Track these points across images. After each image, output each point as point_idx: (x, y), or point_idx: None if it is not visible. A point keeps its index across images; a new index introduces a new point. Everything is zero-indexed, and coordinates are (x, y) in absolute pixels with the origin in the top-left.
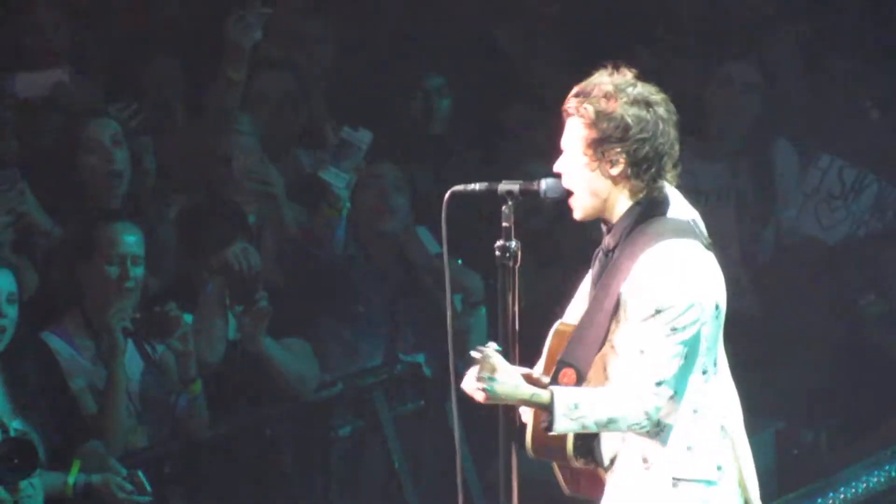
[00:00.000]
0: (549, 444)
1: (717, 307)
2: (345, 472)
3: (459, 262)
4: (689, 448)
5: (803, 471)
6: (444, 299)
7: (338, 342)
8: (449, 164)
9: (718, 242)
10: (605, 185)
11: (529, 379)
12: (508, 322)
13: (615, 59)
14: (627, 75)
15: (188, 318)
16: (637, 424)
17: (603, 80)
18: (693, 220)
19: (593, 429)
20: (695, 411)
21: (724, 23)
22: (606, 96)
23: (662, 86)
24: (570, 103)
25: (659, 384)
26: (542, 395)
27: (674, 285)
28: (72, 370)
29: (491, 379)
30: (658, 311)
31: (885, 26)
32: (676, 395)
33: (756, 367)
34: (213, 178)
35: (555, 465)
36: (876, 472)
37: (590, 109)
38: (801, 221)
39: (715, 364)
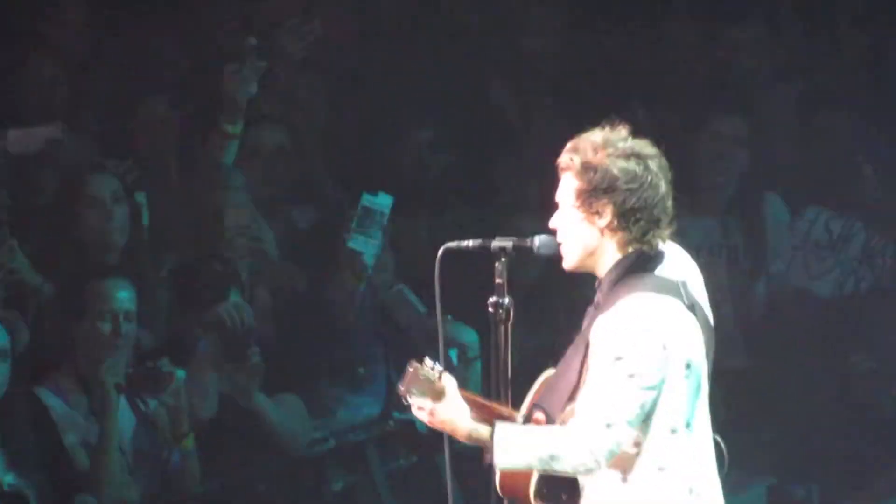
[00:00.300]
0: (516, 485)
1: (688, 366)
2: None
3: (450, 317)
4: None
5: None
6: (437, 356)
7: (334, 401)
8: (441, 220)
9: (711, 299)
10: (593, 237)
11: (495, 411)
12: (501, 377)
13: (610, 114)
14: (622, 131)
15: (181, 373)
16: (582, 465)
17: (595, 134)
18: (683, 283)
19: (537, 465)
20: (660, 469)
21: (720, 78)
22: (595, 148)
23: (655, 141)
24: (563, 157)
25: (608, 426)
26: (481, 430)
27: (637, 335)
28: (65, 425)
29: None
30: (618, 358)
31: (881, 82)
32: (641, 450)
33: (749, 423)
34: (205, 234)
35: None
36: None
37: (577, 161)
38: (791, 274)
39: (688, 426)
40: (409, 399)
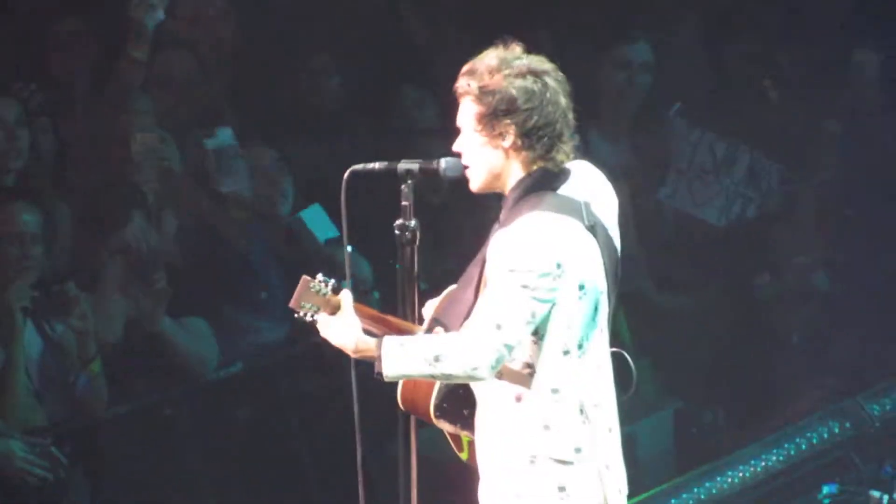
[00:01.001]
0: (417, 401)
1: (581, 287)
2: (245, 454)
3: (350, 248)
4: (546, 427)
5: (702, 450)
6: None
7: (240, 325)
8: (341, 143)
9: (619, 221)
10: (498, 159)
11: (395, 325)
12: (409, 301)
13: (516, 40)
14: (516, 50)
15: (87, 304)
16: (468, 364)
17: (488, 55)
18: (586, 203)
19: (425, 370)
20: (553, 390)
21: (627, 5)
22: (491, 71)
23: (562, 69)
24: (459, 83)
25: (498, 327)
26: (369, 342)
27: (533, 251)
28: None
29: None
30: (511, 271)
31: (785, 6)
32: (534, 371)
33: (655, 347)
34: (111, 158)
35: (448, 437)
36: (774, 451)
37: (474, 86)
38: (678, 199)
39: (580, 346)
40: (299, 313)
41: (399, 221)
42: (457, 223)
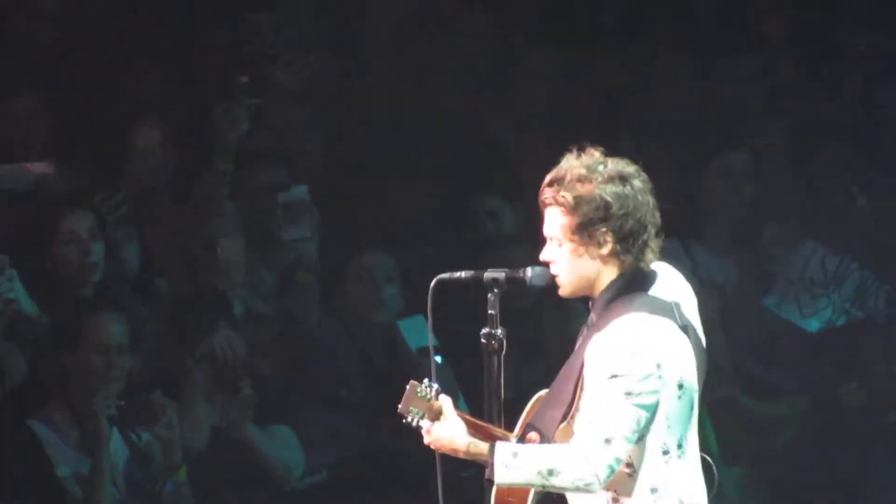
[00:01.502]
0: (511, 500)
1: (680, 386)
2: None
3: (440, 359)
4: None
5: None
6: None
7: (321, 427)
8: (426, 252)
9: (706, 329)
10: (594, 266)
11: (490, 431)
12: (494, 408)
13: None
14: (595, 155)
15: (174, 413)
16: (581, 480)
17: (573, 163)
18: (676, 304)
19: (536, 481)
20: (653, 490)
21: (713, 113)
22: (581, 180)
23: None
24: (546, 193)
25: (608, 441)
26: (481, 446)
27: (633, 353)
28: (58, 458)
29: (422, 417)
30: (613, 377)
31: (873, 112)
32: (634, 471)
33: (741, 455)
34: (198, 266)
35: None
36: None
37: (568, 197)
38: (784, 309)
39: (679, 447)
40: (407, 418)
41: (485, 330)
42: (542, 330)
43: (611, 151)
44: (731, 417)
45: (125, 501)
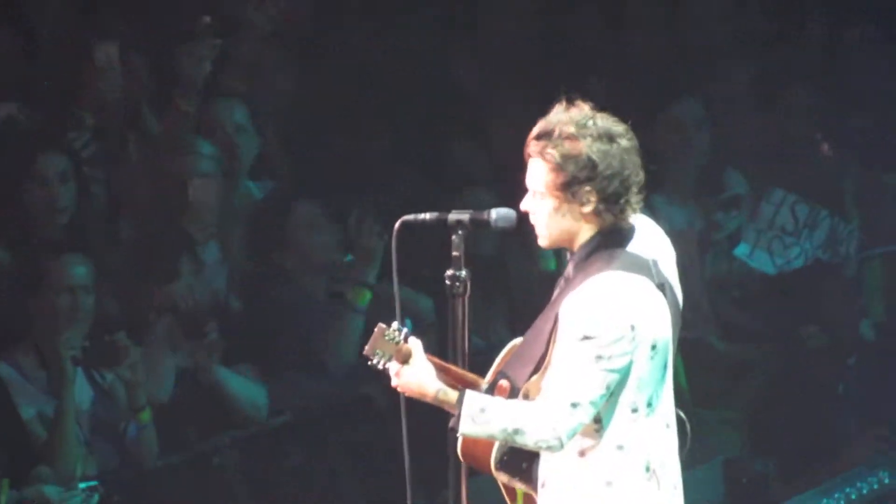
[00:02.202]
0: (476, 452)
1: (653, 346)
2: (294, 502)
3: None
4: (608, 483)
5: (752, 500)
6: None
7: (289, 376)
8: (392, 193)
9: (681, 274)
10: (575, 222)
11: (459, 375)
12: (459, 350)
13: (569, 91)
14: (585, 109)
15: (137, 354)
16: (544, 441)
17: (562, 118)
18: (654, 261)
19: (499, 437)
20: (619, 447)
21: (678, 56)
22: (569, 137)
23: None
24: (533, 147)
25: (574, 406)
26: (450, 394)
27: (606, 314)
28: (21, 398)
29: (388, 360)
30: (586, 337)
31: (840, 61)
32: (601, 427)
33: (710, 398)
34: (169, 205)
35: (502, 487)
36: (825, 501)
37: (555, 154)
38: (755, 257)
39: (649, 405)
40: (373, 360)
41: (450, 272)
42: (506, 273)
43: (580, 95)
44: (702, 360)
45: (90, 442)
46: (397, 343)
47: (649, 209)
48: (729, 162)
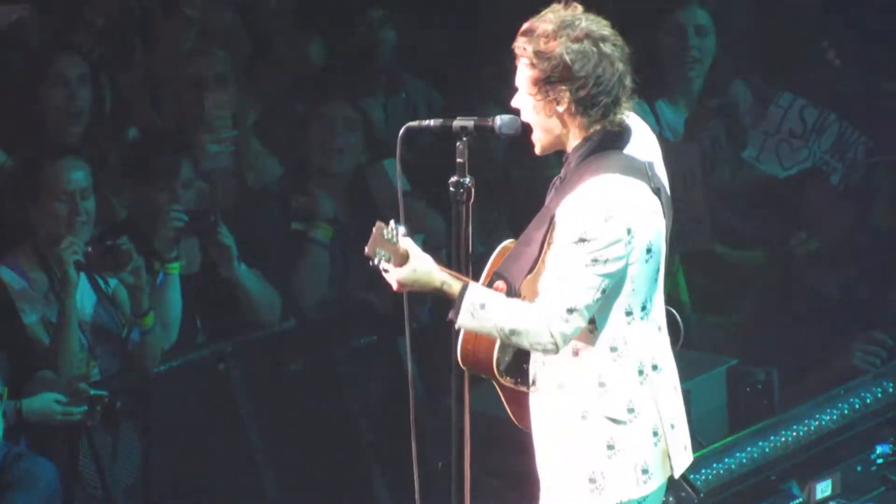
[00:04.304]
0: (478, 356)
1: (648, 250)
2: (297, 409)
3: (423, 201)
4: (601, 384)
5: (756, 409)
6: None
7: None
8: (397, 99)
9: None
10: (554, 122)
11: (457, 278)
12: (461, 256)
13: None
14: (577, 10)
15: (140, 259)
16: (540, 345)
17: (548, 17)
18: (650, 164)
19: (495, 334)
20: (612, 349)
21: None
22: (547, 36)
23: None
24: (517, 43)
25: (570, 311)
26: (453, 286)
27: (602, 217)
28: (24, 303)
29: (388, 260)
30: (582, 240)
31: None
32: (595, 329)
33: (716, 306)
34: (183, 105)
35: (502, 397)
36: (828, 411)
37: (529, 50)
38: (762, 160)
39: (643, 308)
40: (374, 261)
41: (454, 179)
42: (508, 177)
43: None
44: (704, 267)
45: (92, 346)
46: (395, 243)
47: (652, 114)
48: (733, 73)
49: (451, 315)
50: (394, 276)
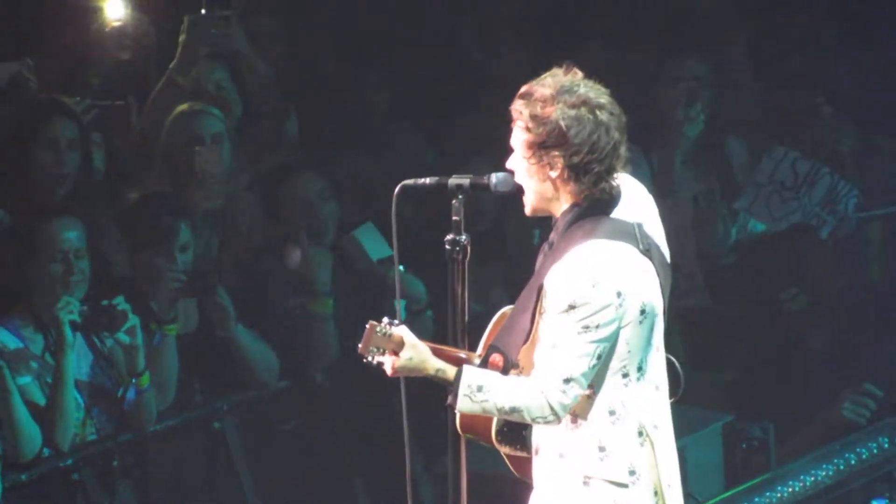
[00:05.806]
0: (475, 424)
1: (642, 311)
2: (294, 467)
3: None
4: (601, 448)
5: (751, 464)
6: (390, 303)
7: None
8: (396, 158)
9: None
10: (547, 187)
11: (452, 355)
12: (458, 314)
13: (570, 53)
14: (577, 76)
15: (134, 318)
16: (542, 418)
17: (547, 81)
18: (639, 225)
19: (496, 414)
20: (611, 412)
21: (677, 21)
22: (545, 100)
23: (616, 83)
24: (514, 105)
25: (567, 381)
26: (448, 372)
27: (590, 283)
28: (20, 363)
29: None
30: (571, 307)
31: (839, 22)
32: (593, 394)
33: (710, 362)
34: (178, 166)
35: (505, 458)
36: (824, 466)
37: (526, 113)
38: (754, 212)
39: (639, 369)
40: (367, 357)
41: (450, 237)
42: (502, 242)
43: (578, 57)
44: (696, 322)
45: (88, 406)
46: (389, 336)
47: (649, 167)
48: (729, 129)
49: (449, 400)
50: (389, 364)
